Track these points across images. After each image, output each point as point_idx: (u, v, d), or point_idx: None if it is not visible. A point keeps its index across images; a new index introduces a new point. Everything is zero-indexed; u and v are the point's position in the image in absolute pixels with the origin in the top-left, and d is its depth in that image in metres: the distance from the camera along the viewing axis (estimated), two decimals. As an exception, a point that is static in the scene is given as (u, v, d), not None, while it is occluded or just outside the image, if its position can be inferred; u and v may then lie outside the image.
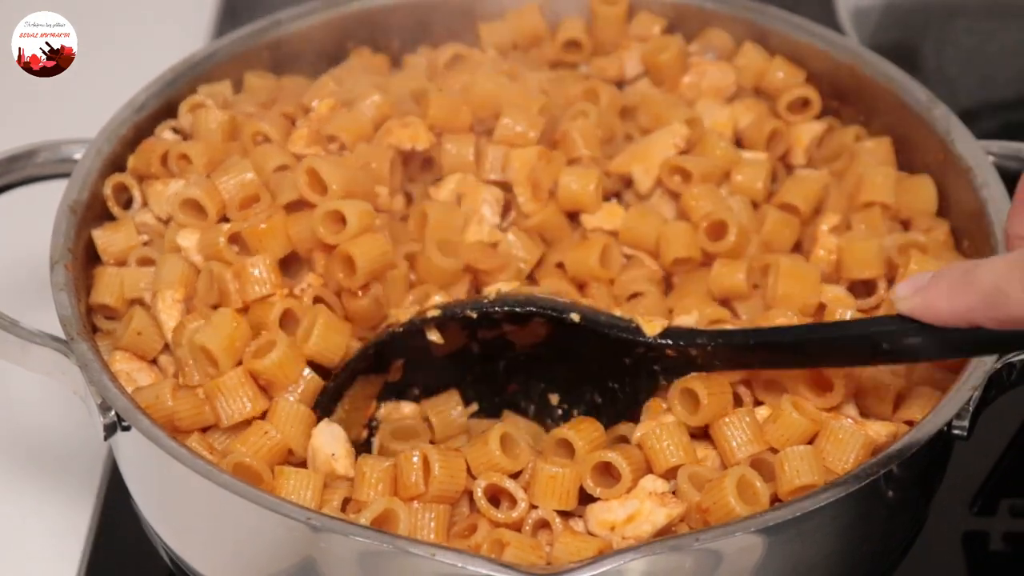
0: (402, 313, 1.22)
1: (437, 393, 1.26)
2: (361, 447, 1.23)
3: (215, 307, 1.22)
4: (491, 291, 1.21)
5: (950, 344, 1.03)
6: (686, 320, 1.20)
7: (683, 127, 1.32)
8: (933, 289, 1.01)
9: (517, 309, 1.19)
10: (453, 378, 1.26)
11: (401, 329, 1.20)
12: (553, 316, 1.18)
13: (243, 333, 1.18)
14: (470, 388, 1.27)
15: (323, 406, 1.20)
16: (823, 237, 1.27)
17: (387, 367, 1.24)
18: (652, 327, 1.16)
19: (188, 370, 1.19)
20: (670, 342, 1.16)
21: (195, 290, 1.23)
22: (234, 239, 1.23)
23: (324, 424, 1.17)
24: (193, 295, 1.23)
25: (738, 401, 1.17)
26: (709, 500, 1.09)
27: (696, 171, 1.29)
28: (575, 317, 1.18)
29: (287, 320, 1.21)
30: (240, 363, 1.18)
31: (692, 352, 1.15)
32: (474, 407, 1.27)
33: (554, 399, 1.26)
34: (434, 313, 1.20)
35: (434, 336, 1.20)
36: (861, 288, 1.26)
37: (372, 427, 1.26)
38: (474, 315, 1.19)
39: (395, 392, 1.25)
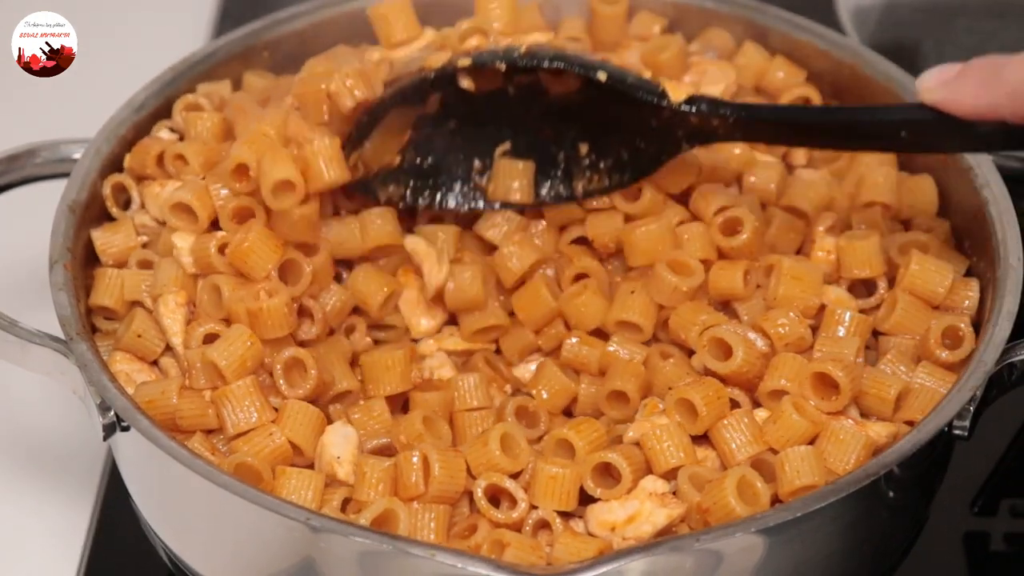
0: (435, 59, 1.24)
1: (473, 125, 1.26)
2: (391, 175, 1.26)
3: (224, 320, 1.21)
4: (524, 42, 1.24)
5: (971, 137, 1.05)
6: (712, 90, 1.20)
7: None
8: (960, 82, 1.02)
9: (545, 64, 1.21)
10: (488, 116, 1.26)
11: (432, 75, 1.23)
12: (581, 73, 1.20)
13: (256, 353, 1.18)
14: (505, 127, 1.27)
15: (355, 138, 1.22)
16: (820, 238, 1.27)
17: (424, 100, 1.25)
18: (677, 93, 1.19)
19: (195, 374, 1.19)
20: (694, 109, 1.18)
21: (195, 294, 1.23)
22: (224, 249, 1.22)
23: (339, 424, 1.17)
24: (194, 298, 1.23)
25: (735, 405, 1.17)
26: (709, 500, 1.09)
27: (706, 164, 1.29)
28: (602, 76, 1.20)
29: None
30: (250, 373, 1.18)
31: (714, 122, 1.17)
32: (507, 145, 1.28)
33: (583, 148, 1.26)
34: (464, 62, 1.22)
35: (466, 83, 1.23)
36: (861, 288, 1.25)
37: (404, 156, 1.26)
38: (503, 67, 1.21)
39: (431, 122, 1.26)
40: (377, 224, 1.26)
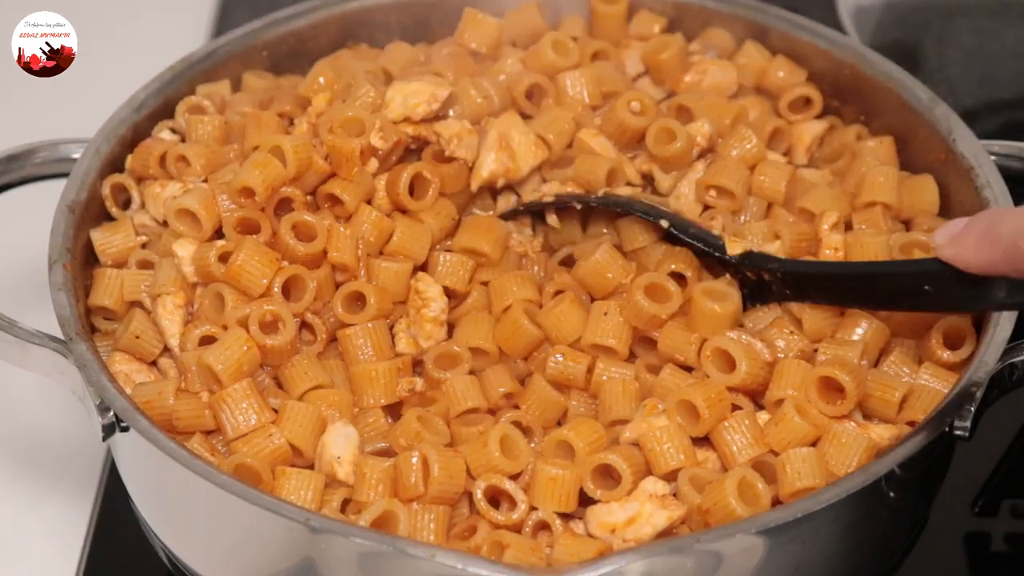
0: (526, 195, 1.32)
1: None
2: None
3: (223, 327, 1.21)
4: (600, 190, 1.30)
5: (986, 294, 1.06)
6: (770, 248, 1.24)
7: (706, 125, 1.31)
8: (963, 240, 1.04)
9: (617, 210, 1.29)
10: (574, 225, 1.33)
11: (522, 208, 1.32)
12: (646, 217, 1.27)
13: (252, 357, 1.17)
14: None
15: None
16: (826, 236, 1.26)
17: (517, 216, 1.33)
18: (733, 246, 1.24)
19: (191, 377, 1.18)
20: (747, 263, 1.23)
21: (194, 296, 1.23)
22: (225, 258, 1.22)
23: (340, 424, 1.17)
24: (193, 299, 1.23)
25: (736, 407, 1.16)
26: (710, 501, 1.09)
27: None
28: (664, 224, 1.26)
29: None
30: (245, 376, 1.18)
31: (766, 277, 1.22)
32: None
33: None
34: (548, 199, 1.31)
35: (552, 220, 1.32)
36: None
37: None
38: (578, 207, 1.30)
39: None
40: (386, 275, 1.24)
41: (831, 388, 1.15)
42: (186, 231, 1.23)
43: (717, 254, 1.24)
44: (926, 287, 1.11)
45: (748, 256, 1.23)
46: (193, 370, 1.18)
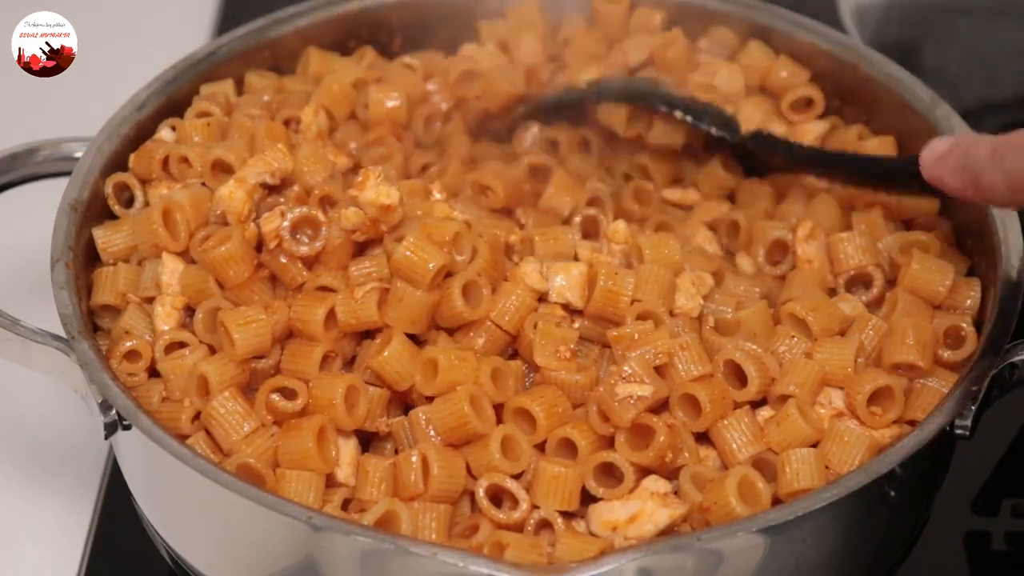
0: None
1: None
2: None
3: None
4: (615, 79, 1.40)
5: None
6: (777, 129, 1.37)
7: None
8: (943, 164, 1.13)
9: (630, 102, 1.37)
10: None
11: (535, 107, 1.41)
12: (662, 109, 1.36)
13: (244, 379, 1.17)
14: None
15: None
16: (801, 248, 1.27)
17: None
18: (747, 124, 1.35)
19: (170, 385, 1.18)
20: (755, 143, 1.34)
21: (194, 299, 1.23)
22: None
23: None
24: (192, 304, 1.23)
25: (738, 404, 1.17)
26: (710, 499, 1.09)
27: None
28: (679, 115, 1.35)
29: None
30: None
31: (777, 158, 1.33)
32: None
33: None
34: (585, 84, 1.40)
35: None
36: (859, 285, 1.26)
37: None
38: (597, 99, 1.39)
39: None
40: None
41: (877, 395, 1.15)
42: (164, 238, 1.22)
43: (728, 136, 1.33)
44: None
45: (757, 136, 1.33)
46: (171, 379, 1.17)
